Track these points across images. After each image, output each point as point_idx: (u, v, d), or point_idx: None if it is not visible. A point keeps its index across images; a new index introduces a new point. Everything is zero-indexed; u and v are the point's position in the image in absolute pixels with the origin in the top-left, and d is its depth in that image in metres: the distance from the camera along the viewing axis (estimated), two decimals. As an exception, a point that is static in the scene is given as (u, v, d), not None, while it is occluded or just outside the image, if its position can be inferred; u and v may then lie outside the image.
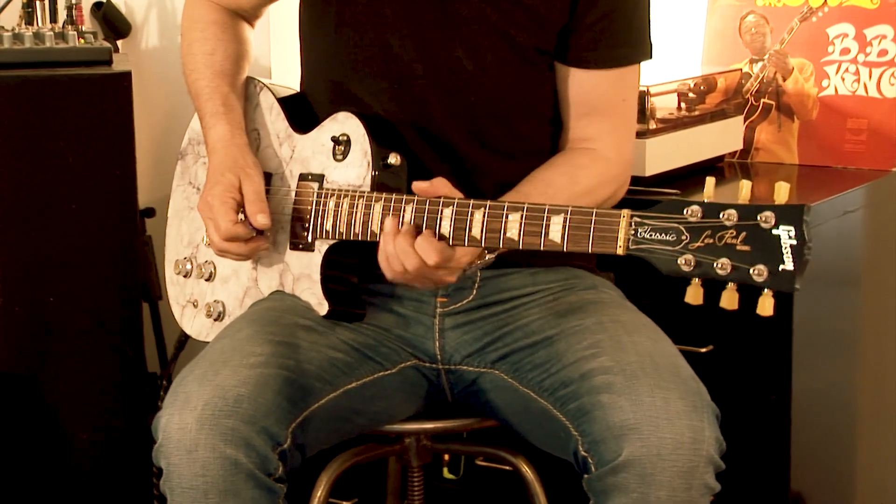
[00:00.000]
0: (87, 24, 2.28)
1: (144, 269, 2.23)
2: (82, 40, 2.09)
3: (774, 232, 1.17)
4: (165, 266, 1.67)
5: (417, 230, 1.37)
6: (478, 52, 1.49)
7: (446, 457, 2.00)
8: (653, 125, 1.91)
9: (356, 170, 1.46)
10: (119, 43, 2.41)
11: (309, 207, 1.49)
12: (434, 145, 1.50)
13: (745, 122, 2.12)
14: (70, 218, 2.00)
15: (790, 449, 1.81)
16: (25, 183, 1.99)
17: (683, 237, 1.21)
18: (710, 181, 1.23)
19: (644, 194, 1.85)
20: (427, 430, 1.57)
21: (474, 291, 1.52)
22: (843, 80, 2.08)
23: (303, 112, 1.57)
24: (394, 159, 1.45)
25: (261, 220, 1.47)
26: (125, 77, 2.00)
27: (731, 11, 2.17)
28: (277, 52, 2.29)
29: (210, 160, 1.53)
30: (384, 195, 1.41)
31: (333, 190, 1.47)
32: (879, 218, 2.04)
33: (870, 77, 2.06)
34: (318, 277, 1.47)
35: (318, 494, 1.57)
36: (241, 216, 1.47)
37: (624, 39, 1.51)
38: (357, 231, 1.43)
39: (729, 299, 1.20)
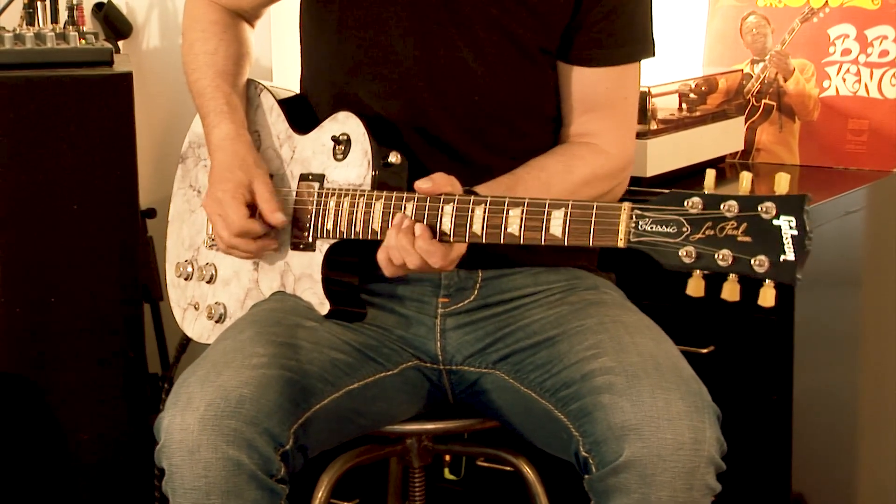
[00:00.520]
0: (89, 24, 2.28)
1: (146, 269, 2.23)
2: (83, 41, 2.09)
3: (775, 222, 1.17)
4: (167, 269, 1.67)
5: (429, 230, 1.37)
6: (482, 51, 1.49)
7: (447, 458, 2.00)
8: (654, 126, 1.91)
9: (356, 169, 1.46)
10: (120, 44, 2.41)
11: (310, 207, 1.49)
12: (435, 145, 1.50)
13: (746, 122, 2.13)
14: (71, 218, 2.00)
15: (791, 449, 1.81)
16: (26, 183, 1.99)
17: (684, 229, 1.21)
18: (710, 173, 1.22)
19: (645, 195, 1.85)
20: (428, 430, 1.56)
21: (476, 292, 1.52)
22: (844, 80, 2.09)
23: (303, 113, 1.57)
24: (394, 158, 1.45)
25: (278, 217, 1.47)
26: (126, 78, 2.01)
27: (733, 12, 2.18)
28: (278, 52, 2.29)
29: (215, 158, 1.53)
30: (384, 194, 1.41)
31: (334, 189, 1.47)
32: (880, 218, 2.04)
33: (871, 78, 2.07)
34: (319, 277, 1.47)
35: (320, 495, 1.57)
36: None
37: (626, 37, 1.52)
38: (358, 230, 1.43)
39: (730, 291, 1.20)
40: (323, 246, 1.48)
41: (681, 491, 1.30)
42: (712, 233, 1.19)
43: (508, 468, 1.65)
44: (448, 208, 1.35)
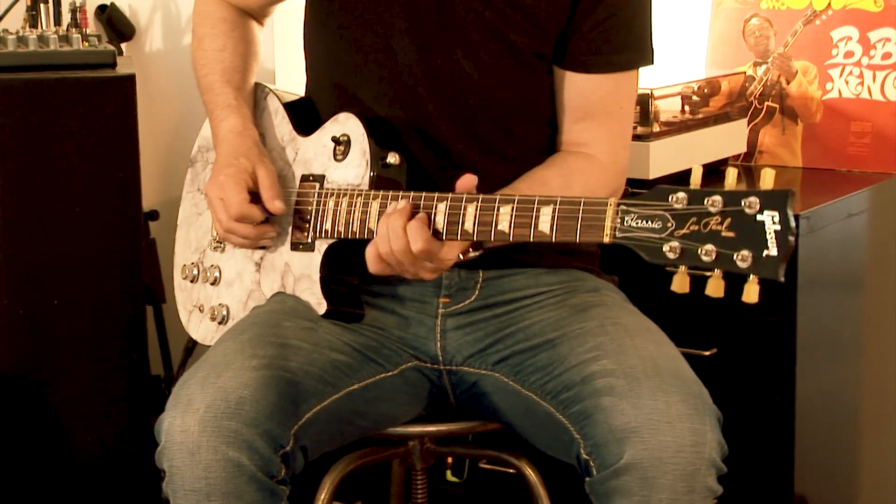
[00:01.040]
0: (91, 27, 2.29)
1: (149, 271, 2.23)
2: (86, 43, 2.09)
3: (759, 217, 1.16)
4: (174, 272, 1.67)
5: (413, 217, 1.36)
6: (477, 55, 1.49)
7: (450, 460, 2.00)
8: (656, 128, 1.91)
9: (355, 169, 1.47)
10: (123, 46, 2.41)
11: (310, 207, 1.49)
12: (433, 148, 1.50)
13: (748, 125, 2.13)
14: (74, 220, 2.01)
15: (794, 452, 1.81)
16: (29, 185, 1.99)
17: (669, 224, 1.20)
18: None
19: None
20: (430, 433, 1.57)
21: (476, 292, 1.52)
22: (846, 83, 2.09)
23: (308, 116, 1.58)
24: (393, 159, 1.45)
25: (277, 205, 1.47)
26: (129, 80, 2.01)
27: (735, 14, 2.18)
28: (282, 56, 2.29)
29: (220, 148, 1.53)
30: (381, 193, 1.41)
31: (333, 190, 1.47)
32: (883, 221, 2.04)
33: (874, 80, 2.07)
34: (317, 277, 1.47)
35: (322, 497, 1.57)
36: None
37: (622, 44, 1.51)
38: (354, 230, 1.43)
39: (715, 287, 1.19)
40: (322, 246, 1.48)
41: (681, 493, 1.30)
42: (696, 228, 1.19)
43: (511, 470, 1.65)
44: (441, 206, 1.35)
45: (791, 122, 2.13)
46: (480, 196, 1.34)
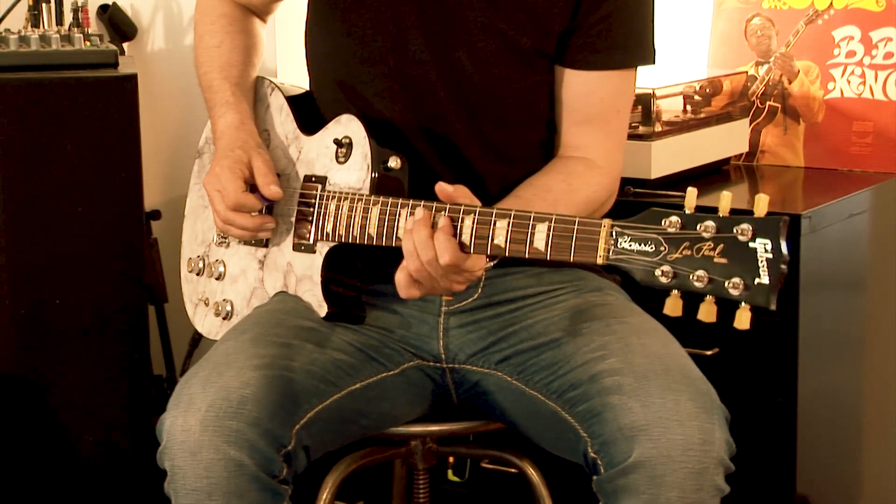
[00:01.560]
0: (93, 26, 2.29)
1: (150, 271, 2.23)
2: (88, 43, 2.09)
3: (751, 245, 1.16)
4: (181, 263, 1.68)
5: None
6: (479, 54, 1.49)
7: (451, 459, 2.00)
8: (658, 128, 1.92)
9: (357, 173, 1.47)
10: (125, 45, 2.41)
11: (312, 209, 1.49)
12: (437, 147, 1.50)
13: (750, 124, 2.13)
14: (76, 220, 2.01)
15: (796, 451, 1.82)
16: (31, 185, 2.00)
17: (662, 248, 1.21)
18: (691, 192, 1.21)
19: (650, 196, 1.85)
20: (433, 432, 1.57)
21: (479, 290, 1.53)
22: (848, 82, 2.09)
23: (311, 113, 1.58)
24: (394, 162, 1.46)
25: (273, 189, 1.47)
26: (131, 79, 2.01)
27: (737, 14, 2.18)
28: (283, 53, 2.30)
29: (218, 144, 1.54)
30: (381, 199, 1.42)
31: (335, 192, 1.48)
32: (885, 220, 2.04)
33: (875, 80, 2.07)
34: (318, 279, 1.48)
35: (324, 497, 1.57)
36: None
37: (622, 43, 1.52)
38: (355, 234, 1.44)
39: (706, 312, 1.20)
40: (323, 248, 1.48)
41: (690, 492, 1.31)
42: (689, 253, 1.20)
43: (513, 470, 1.66)
44: (439, 217, 1.35)
45: (793, 121, 2.13)
46: (477, 208, 1.34)
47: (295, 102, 1.59)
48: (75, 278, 2.02)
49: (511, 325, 1.51)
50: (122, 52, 2.33)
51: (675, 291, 1.21)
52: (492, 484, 2.02)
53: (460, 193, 1.36)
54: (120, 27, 2.41)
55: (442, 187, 1.36)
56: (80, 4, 2.20)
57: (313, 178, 1.51)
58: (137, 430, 2.05)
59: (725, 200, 1.20)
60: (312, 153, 1.53)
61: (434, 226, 1.34)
